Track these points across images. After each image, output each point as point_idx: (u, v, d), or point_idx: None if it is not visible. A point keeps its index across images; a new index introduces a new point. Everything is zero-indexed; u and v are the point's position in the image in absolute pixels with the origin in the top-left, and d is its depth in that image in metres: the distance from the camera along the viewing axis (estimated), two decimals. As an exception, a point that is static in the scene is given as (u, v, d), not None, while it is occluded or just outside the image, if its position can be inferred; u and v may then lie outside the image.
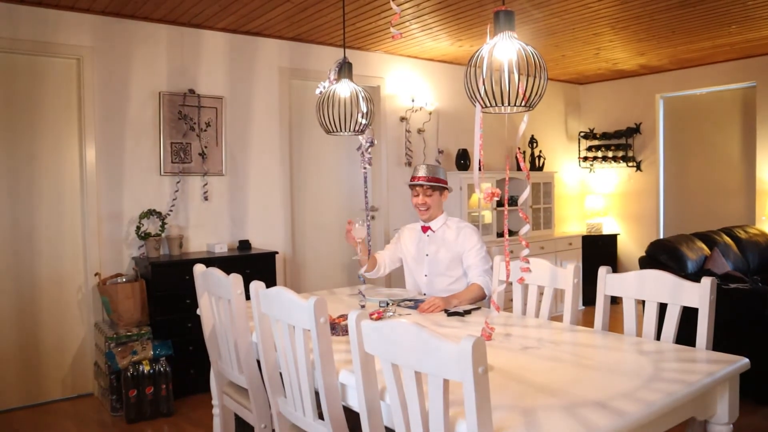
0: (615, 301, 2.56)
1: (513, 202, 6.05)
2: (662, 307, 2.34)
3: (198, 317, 2.79)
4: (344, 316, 2.43)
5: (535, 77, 1.90)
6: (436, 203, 3.12)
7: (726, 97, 6.40)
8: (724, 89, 6.34)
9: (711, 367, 1.89)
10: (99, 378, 4.02)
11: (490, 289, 2.95)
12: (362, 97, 2.85)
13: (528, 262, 2.26)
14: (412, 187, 3.14)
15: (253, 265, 4.35)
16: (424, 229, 3.18)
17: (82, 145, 4.10)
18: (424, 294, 3.13)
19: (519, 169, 6.35)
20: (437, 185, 3.09)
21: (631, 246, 7.01)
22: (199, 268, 2.65)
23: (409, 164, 5.68)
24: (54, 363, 4.07)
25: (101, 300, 4.04)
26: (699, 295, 2.21)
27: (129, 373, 3.66)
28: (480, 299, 2.93)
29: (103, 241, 4.15)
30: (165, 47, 4.37)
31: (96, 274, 4.08)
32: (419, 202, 3.11)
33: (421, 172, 3.11)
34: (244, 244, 4.63)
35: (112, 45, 4.16)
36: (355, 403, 1.85)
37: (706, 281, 2.19)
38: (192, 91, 4.46)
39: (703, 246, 4.94)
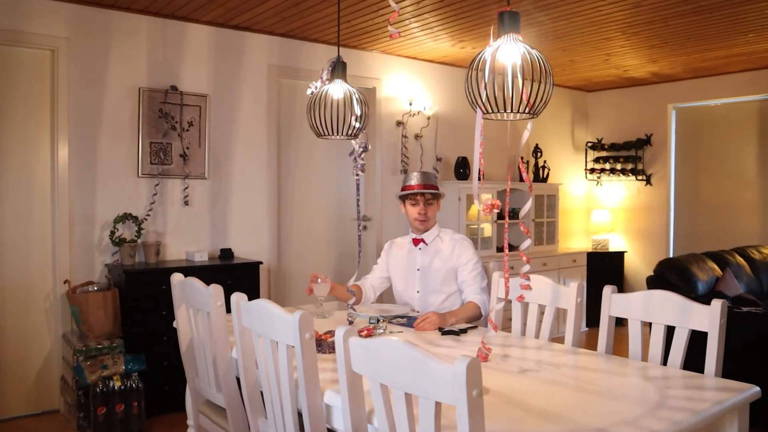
0: (620, 322, 2.58)
1: (514, 214, 6.08)
2: (670, 331, 2.36)
3: (174, 330, 2.79)
4: (331, 333, 2.43)
5: (540, 83, 1.92)
6: (434, 213, 3.14)
7: (742, 109, 6.47)
8: (740, 101, 6.41)
9: (720, 395, 1.90)
10: (65, 394, 3.99)
11: (487, 309, 2.96)
12: (356, 99, 2.86)
13: (528, 279, 2.26)
14: (407, 196, 3.12)
15: (235, 275, 4.34)
16: (416, 241, 3.17)
17: (54, 142, 4.09)
18: (417, 312, 3.12)
19: (521, 179, 6.38)
20: (437, 193, 3.11)
21: (638, 264, 7.04)
22: (176, 278, 2.65)
23: (405, 172, 5.70)
24: (17, 376, 4.04)
25: (70, 309, 4.02)
26: (709, 318, 2.22)
27: (98, 389, 3.64)
28: (476, 319, 2.93)
29: (74, 246, 4.13)
30: (146, 40, 4.38)
31: (65, 282, 4.06)
32: (419, 211, 3.10)
33: (420, 179, 3.10)
34: (226, 253, 4.63)
35: (89, 36, 4.17)
36: (341, 425, 1.85)
37: (717, 304, 2.21)
38: (174, 88, 4.47)
39: (715, 266, 4.97)
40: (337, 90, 2.92)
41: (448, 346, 2.47)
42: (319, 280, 2.94)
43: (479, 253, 3.17)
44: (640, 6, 4.15)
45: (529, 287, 2.25)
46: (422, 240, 3.15)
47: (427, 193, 3.07)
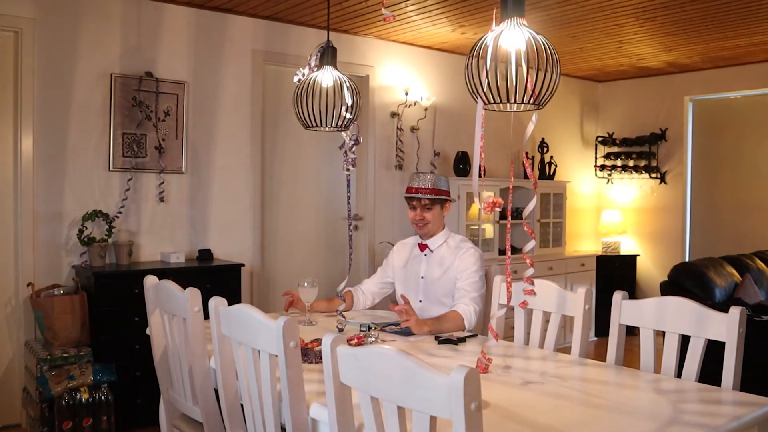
0: (631, 331, 2.59)
1: (518, 214, 6.09)
2: (684, 340, 2.37)
3: (147, 338, 2.78)
4: (318, 341, 2.42)
5: (546, 71, 1.93)
6: (436, 218, 3.08)
7: (764, 103, 6.49)
8: (762, 93, 6.43)
9: (738, 409, 1.92)
10: (28, 407, 3.98)
11: (472, 321, 2.92)
12: (347, 88, 2.86)
13: (532, 283, 2.27)
14: (408, 199, 3.12)
15: (214, 278, 4.33)
16: (421, 247, 3.17)
17: (17, 132, 4.07)
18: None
19: (526, 176, 6.39)
20: (437, 198, 3.04)
21: (651, 269, 7.07)
22: (150, 281, 2.65)
23: (400, 167, 5.70)
24: (-25, 387, 4.03)
25: (34, 315, 4.00)
26: (726, 327, 2.23)
27: (64, 402, 3.62)
28: (456, 330, 2.88)
29: (38, 246, 4.11)
30: (119, 22, 4.37)
31: (28, 285, 4.04)
32: (416, 217, 3.08)
33: (419, 181, 3.07)
34: (205, 254, 4.62)
35: (57, 17, 4.15)
36: (328, 441, 1.85)
37: (735, 311, 2.22)
38: (149, 75, 4.46)
39: (734, 271, 5.00)
40: (326, 78, 2.92)
41: (444, 356, 2.47)
42: (306, 284, 2.94)
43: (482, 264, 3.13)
44: (655, -11, 4.17)
45: (533, 293, 2.26)
46: (427, 246, 3.14)
47: (424, 198, 3.04)
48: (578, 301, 2.65)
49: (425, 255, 3.15)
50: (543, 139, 6.81)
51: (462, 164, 5.91)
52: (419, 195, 3.05)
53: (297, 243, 5.33)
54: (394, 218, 5.71)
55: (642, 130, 7.10)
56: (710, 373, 2.33)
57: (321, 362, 2.21)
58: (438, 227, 3.13)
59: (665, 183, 6.99)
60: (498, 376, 2.22)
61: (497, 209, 2.12)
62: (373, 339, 2.60)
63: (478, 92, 1.93)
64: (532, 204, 2.13)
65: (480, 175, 2.04)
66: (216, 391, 2.33)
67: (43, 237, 4.14)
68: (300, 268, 5.28)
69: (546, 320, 2.80)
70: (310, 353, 2.35)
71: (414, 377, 1.39)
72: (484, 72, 1.90)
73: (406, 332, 2.80)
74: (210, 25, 4.74)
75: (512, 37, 1.94)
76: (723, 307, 2.34)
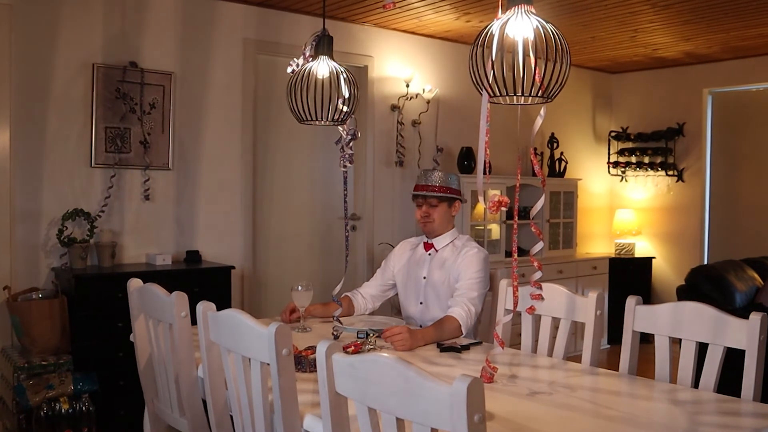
0: (646, 338, 2.59)
1: (525, 214, 6.09)
2: (702, 348, 2.37)
3: (131, 345, 2.79)
4: (312, 348, 2.43)
5: (555, 62, 1.93)
6: (443, 216, 3.14)
7: (787, 95, 6.51)
8: (785, 85, 6.45)
9: (758, 421, 1.92)
10: (4, 417, 3.98)
11: (468, 325, 2.92)
12: (344, 79, 2.86)
13: (541, 288, 2.27)
14: (414, 197, 3.18)
15: (202, 281, 4.34)
16: (427, 246, 3.22)
17: (-6, 126, 4.08)
18: (420, 326, 3.12)
19: (534, 174, 6.39)
20: (444, 196, 3.11)
21: (668, 272, 7.07)
22: (134, 284, 2.65)
23: (401, 163, 5.70)
24: (-52, 397, 4.03)
25: (10, 320, 4.00)
26: (747, 333, 2.24)
27: (42, 413, 3.62)
28: (453, 338, 2.89)
29: (15, 246, 4.11)
30: (102, 9, 4.36)
31: (5, 288, 4.04)
32: (420, 213, 3.15)
33: (426, 179, 3.15)
34: (193, 256, 4.62)
35: (36, 3, 4.15)
36: (323, 455, 1.85)
37: (756, 317, 2.23)
38: (134, 65, 4.46)
39: (755, 275, 5.00)
40: (322, 68, 2.92)
41: (447, 365, 2.48)
42: (300, 287, 2.95)
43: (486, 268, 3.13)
44: (671, -25, 4.17)
45: (541, 297, 2.26)
46: (433, 245, 3.19)
47: (429, 195, 3.10)
48: (589, 306, 2.65)
49: (429, 255, 3.18)
50: (552, 134, 6.81)
51: (466, 160, 5.90)
52: (424, 193, 3.12)
53: (290, 244, 5.33)
54: (393, 218, 5.71)
55: (658, 125, 7.10)
56: (729, 383, 2.34)
57: (315, 371, 2.21)
58: (444, 226, 3.18)
59: (682, 181, 7.00)
60: (503, 386, 2.22)
61: (503, 209, 2.13)
62: (371, 346, 2.60)
63: (483, 84, 1.94)
64: (541, 203, 2.13)
65: (485, 172, 2.05)
66: (204, 402, 2.34)
67: (21, 237, 4.14)
68: (294, 271, 5.28)
69: (555, 327, 2.80)
70: (304, 361, 2.35)
71: (414, 387, 1.39)
72: (490, 63, 1.91)
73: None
74: (198, 12, 4.74)
75: (519, 26, 1.94)
76: (743, 313, 2.34)
